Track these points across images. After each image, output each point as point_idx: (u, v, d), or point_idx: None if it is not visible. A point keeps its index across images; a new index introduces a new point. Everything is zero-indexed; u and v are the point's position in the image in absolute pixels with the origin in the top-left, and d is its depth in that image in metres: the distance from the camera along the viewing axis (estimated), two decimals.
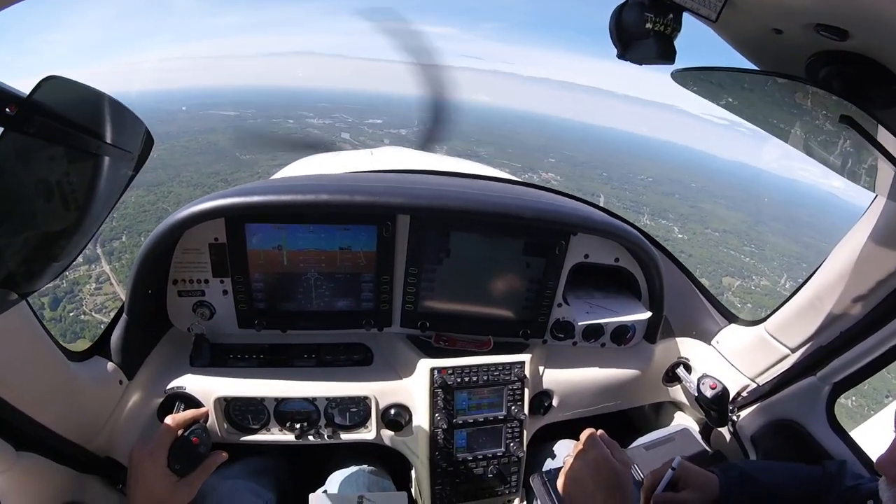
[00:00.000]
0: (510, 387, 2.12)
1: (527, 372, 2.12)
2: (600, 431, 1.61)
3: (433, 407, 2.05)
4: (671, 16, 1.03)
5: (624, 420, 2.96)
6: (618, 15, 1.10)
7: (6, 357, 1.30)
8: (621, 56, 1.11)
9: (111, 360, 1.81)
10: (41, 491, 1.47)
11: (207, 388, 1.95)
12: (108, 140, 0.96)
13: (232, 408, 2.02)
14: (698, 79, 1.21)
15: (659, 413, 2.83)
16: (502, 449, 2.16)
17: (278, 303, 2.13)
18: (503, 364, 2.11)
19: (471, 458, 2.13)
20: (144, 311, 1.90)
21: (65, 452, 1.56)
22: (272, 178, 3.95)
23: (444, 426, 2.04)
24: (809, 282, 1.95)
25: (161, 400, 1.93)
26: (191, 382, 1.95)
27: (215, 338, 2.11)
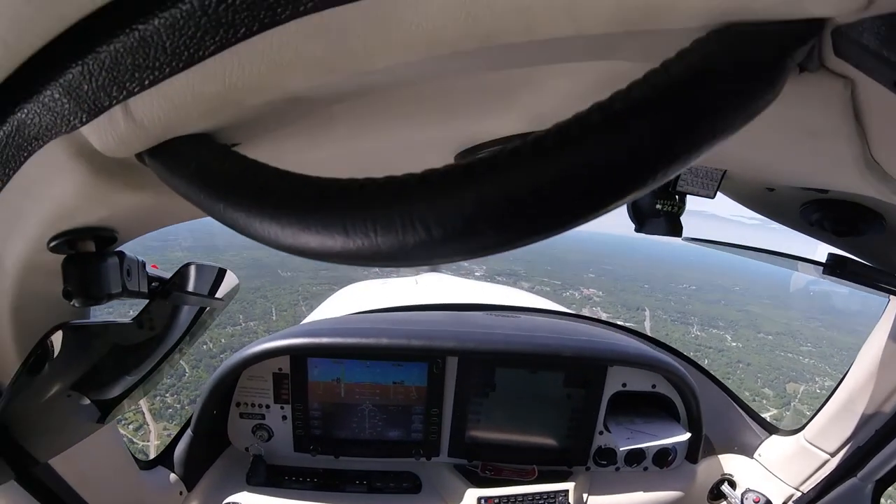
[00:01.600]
0: None
1: (571, 500, 2.16)
2: None
3: None
4: (677, 198, 1.26)
5: None
6: None
7: (93, 462, 1.43)
8: (638, 230, 1.32)
9: (173, 472, 1.97)
10: None
11: None
12: (212, 296, 1.20)
13: None
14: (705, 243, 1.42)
15: None
16: None
17: (333, 430, 2.28)
18: (547, 493, 2.16)
19: None
20: (208, 428, 2.10)
21: None
22: (329, 304, 4.27)
23: None
24: (841, 386, 2.02)
25: None
26: (246, 500, 2.06)
27: (271, 458, 2.24)
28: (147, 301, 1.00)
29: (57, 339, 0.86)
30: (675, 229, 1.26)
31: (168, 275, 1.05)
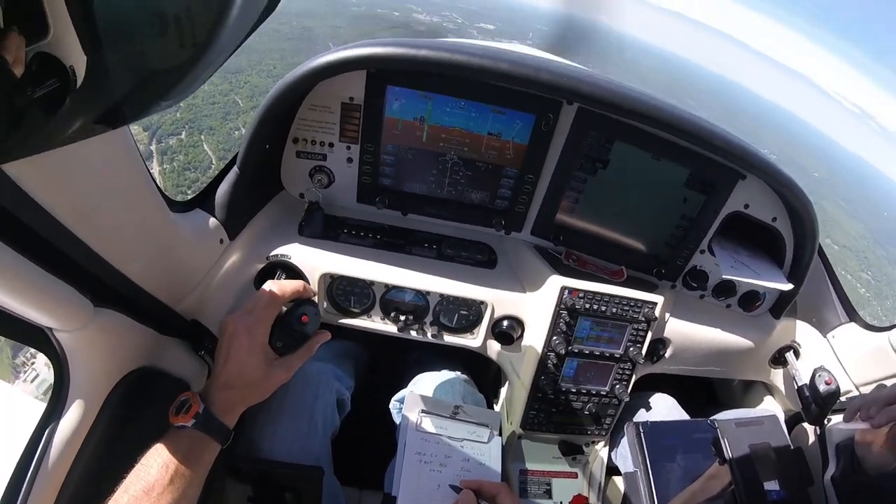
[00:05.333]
0: (635, 326, 1.90)
1: (657, 313, 1.88)
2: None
3: (553, 328, 1.86)
4: None
5: (708, 389, 2.82)
6: None
7: (100, 194, 1.04)
8: None
9: (213, 216, 1.60)
10: (116, 352, 1.27)
11: (314, 261, 1.78)
12: None
13: (336, 286, 1.86)
14: None
15: (746, 392, 2.61)
16: (607, 388, 1.98)
17: (406, 181, 1.94)
18: (635, 300, 1.87)
19: (574, 391, 1.96)
20: (258, 166, 1.69)
21: (149, 311, 1.37)
22: None
23: (561, 351, 1.85)
24: None
25: (262, 266, 1.76)
26: (297, 252, 1.77)
27: (329, 209, 1.92)
28: None
29: None
30: None
31: None
